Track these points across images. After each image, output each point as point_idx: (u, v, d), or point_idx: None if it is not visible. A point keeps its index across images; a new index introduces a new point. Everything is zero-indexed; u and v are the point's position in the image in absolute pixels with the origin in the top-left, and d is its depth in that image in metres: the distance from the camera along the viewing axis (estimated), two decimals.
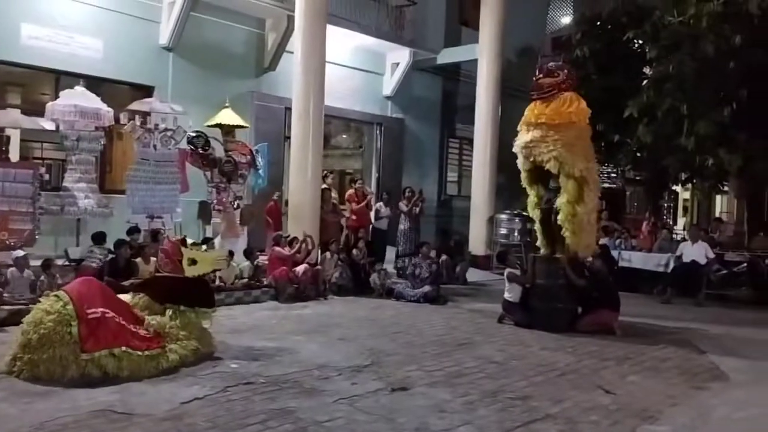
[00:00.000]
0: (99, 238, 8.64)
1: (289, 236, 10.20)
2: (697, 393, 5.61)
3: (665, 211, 16.18)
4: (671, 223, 17.03)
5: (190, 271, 5.95)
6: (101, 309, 5.32)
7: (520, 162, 8.52)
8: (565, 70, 8.38)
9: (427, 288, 10.01)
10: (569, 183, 8.02)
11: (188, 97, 10.97)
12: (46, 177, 9.58)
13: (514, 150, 8.53)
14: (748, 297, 11.50)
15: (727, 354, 7.17)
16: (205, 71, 11.79)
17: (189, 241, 6.17)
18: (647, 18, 12.48)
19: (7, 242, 8.22)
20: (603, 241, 11.66)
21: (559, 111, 8.05)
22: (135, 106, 9.96)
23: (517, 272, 8.56)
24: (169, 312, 5.86)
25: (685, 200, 24.28)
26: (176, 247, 5.99)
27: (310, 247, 10.16)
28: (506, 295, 8.53)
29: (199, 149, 10.10)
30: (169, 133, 9.82)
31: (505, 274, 8.69)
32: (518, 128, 8.47)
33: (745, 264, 11.64)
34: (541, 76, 8.29)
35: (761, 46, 11.24)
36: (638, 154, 13.95)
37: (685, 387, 5.77)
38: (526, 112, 8.37)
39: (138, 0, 10.97)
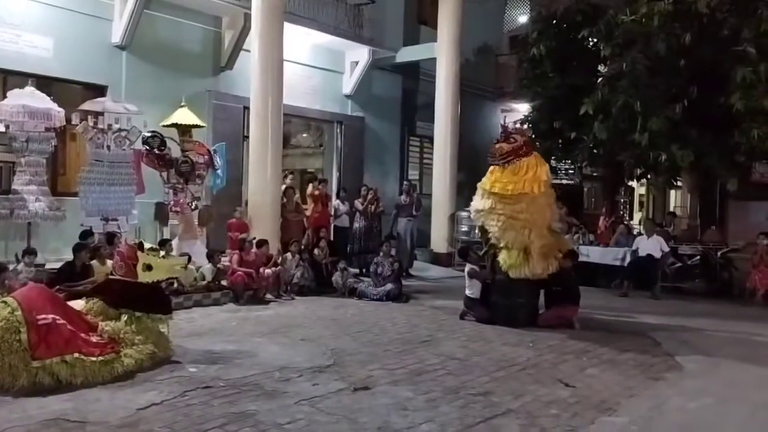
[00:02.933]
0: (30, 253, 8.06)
1: (254, 239, 10.07)
2: (654, 384, 5.73)
3: (622, 206, 16.48)
4: (628, 217, 17.37)
5: (144, 277, 5.82)
6: (52, 315, 5.16)
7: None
8: (525, 135, 8.50)
9: (389, 286, 10.01)
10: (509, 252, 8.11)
11: (143, 97, 10.73)
12: None
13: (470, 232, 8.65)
14: (701, 289, 11.83)
15: (681, 345, 7.35)
16: (160, 70, 11.55)
17: (146, 245, 6.03)
18: (601, 17, 12.68)
19: None
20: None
21: (512, 180, 8.06)
22: (87, 106, 9.71)
23: (477, 268, 8.61)
24: (124, 317, 5.73)
25: (640, 195, 24.81)
26: (132, 251, 5.85)
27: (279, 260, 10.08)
28: (467, 292, 8.58)
29: (155, 150, 9.91)
30: (123, 134, 9.60)
31: (466, 270, 8.75)
32: (478, 186, 8.55)
33: (699, 257, 11.96)
34: (499, 140, 8.35)
35: (710, 44, 11.55)
36: (594, 151, 14.17)
37: (641, 378, 5.89)
38: (486, 176, 8.42)
39: None
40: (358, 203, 12.57)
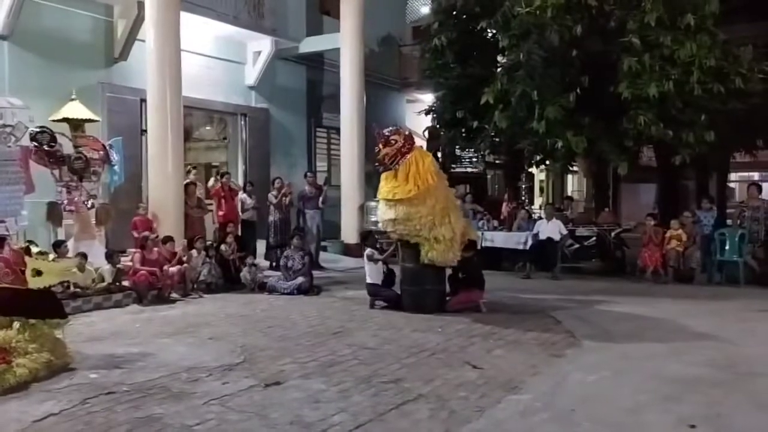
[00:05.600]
0: None
1: (157, 237, 9.71)
2: (555, 361, 6.01)
3: (523, 192, 17.10)
4: (529, 203, 18.05)
5: (35, 283, 5.49)
6: None
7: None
8: (402, 133, 8.46)
9: (300, 279, 9.94)
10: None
11: (29, 90, 10.08)
12: None
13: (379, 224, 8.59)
14: (597, 268, 12.51)
15: (580, 322, 7.74)
16: (47, 61, 10.88)
17: (34, 249, 5.68)
18: (498, 8, 13.04)
19: None
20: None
21: (407, 179, 8.10)
22: None
23: (377, 252, 8.75)
24: (16, 325, 5.39)
25: (541, 181, 25.83)
26: (19, 256, 5.51)
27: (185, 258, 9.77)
28: (368, 279, 8.69)
29: (44, 146, 9.35)
30: (8, 130, 8.94)
31: (365, 254, 8.85)
32: (377, 197, 8.52)
33: (594, 238, 12.61)
34: (381, 146, 8.33)
35: (599, 36, 12.14)
36: (496, 139, 14.59)
37: (544, 356, 6.15)
38: (381, 184, 8.44)
39: None
40: (271, 196, 12.38)
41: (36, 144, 9.31)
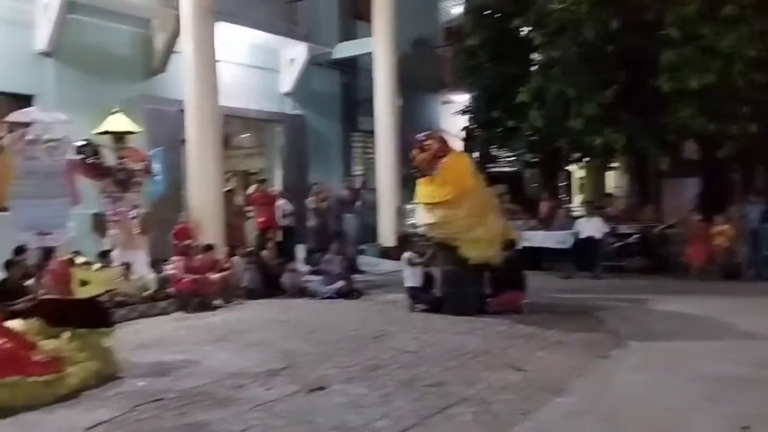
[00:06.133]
0: None
1: (200, 244, 9.88)
2: (600, 362, 5.92)
3: (562, 190, 16.89)
4: (568, 201, 17.81)
5: (81, 293, 5.62)
6: None
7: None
8: (437, 137, 8.51)
9: (340, 283, 9.99)
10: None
11: (73, 105, 10.32)
12: None
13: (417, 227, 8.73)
14: (640, 266, 12.26)
15: (624, 321, 7.62)
16: (89, 76, 11.16)
17: (80, 259, 5.82)
18: (532, 5, 12.92)
19: None
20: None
21: (445, 183, 8.13)
22: (14, 117, 9.26)
23: (416, 255, 8.74)
24: (66, 335, 5.54)
25: (579, 178, 25.43)
26: (65, 267, 5.65)
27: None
28: (407, 283, 8.68)
29: (89, 159, 9.57)
30: (54, 144, 9.20)
31: (404, 257, 8.84)
32: (414, 201, 8.54)
33: (637, 235, 12.37)
34: (416, 152, 8.39)
35: (636, 29, 11.92)
36: (532, 138, 14.46)
37: (589, 357, 6.07)
38: (418, 189, 8.49)
39: (7, 3, 10.21)
40: (309, 202, 12.48)
41: (81, 157, 9.54)
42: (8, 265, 7.81)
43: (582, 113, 11.75)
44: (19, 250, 8.50)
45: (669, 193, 15.72)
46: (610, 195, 15.73)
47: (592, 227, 11.72)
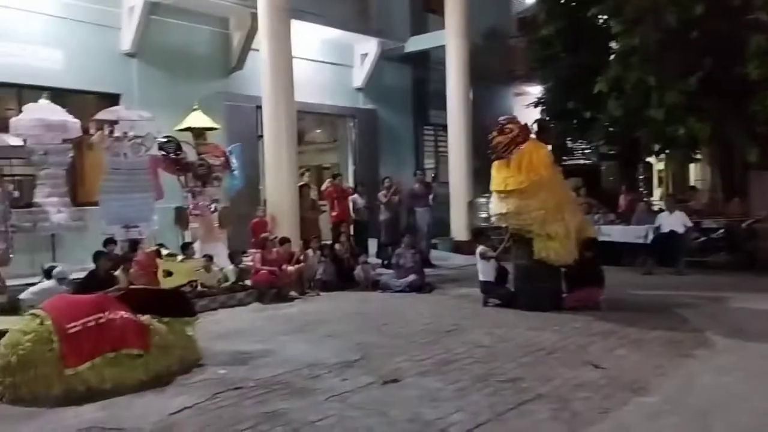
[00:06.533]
0: (48, 273, 7.92)
1: (276, 237, 10.12)
2: (684, 361, 5.69)
3: (641, 183, 16.32)
4: (648, 194, 17.19)
5: (166, 283, 5.88)
6: (83, 320, 5.22)
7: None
8: (518, 122, 8.29)
9: (412, 277, 10.01)
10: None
11: (156, 102, 10.80)
12: (16, 194, 9.39)
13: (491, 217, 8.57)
14: (726, 262, 11.66)
15: (710, 320, 7.28)
16: (171, 75, 11.62)
17: (164, 251, 6.07)
18: None
19: None
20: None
21: (513, 173, 7.95)
22: (102, 115, 9.77)
23: (489, 249, 8.63)
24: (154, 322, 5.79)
25: (660, 171, 24.48)
26: (151, 258, 5.90)
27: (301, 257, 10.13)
28: (481, 277, 8.59)
29: (171, 154, 9.96)
30: (138, 140, 9.65)
31: (477, 252, 8.75)
32: (487, 192, 8.41)
33: (722, 230, 11.80)
34: (495, 134, 8.22)
35: (722, 14, 11.33)
36: (610, 129, 14.03)
37: (671, 356, 5.84)
38: (493, 174, 8.29)
39: (96, 7, 10.73)
40: (381, 196, 12.57)
41: (163, 153, 9.94)
42: (97, 256, 8.22)
43: (663, 102, 11.28)
44: (108, 242, 8.93)
45: (757, 186, 14.87)
46: (693, 188, 15.07)
47: (673, 221, 11.25)
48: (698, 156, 15.52)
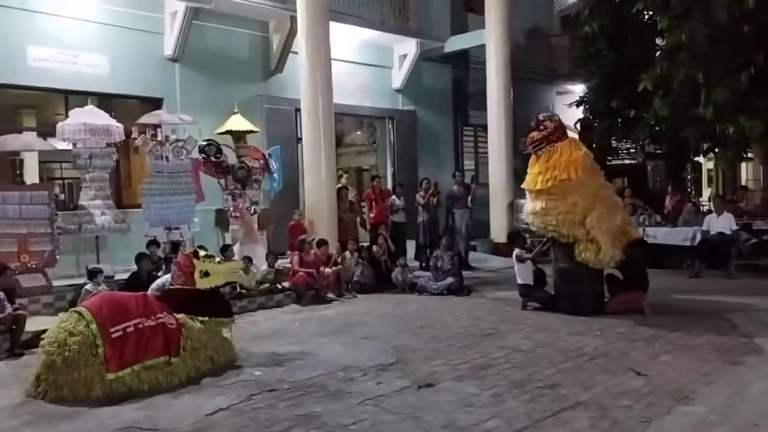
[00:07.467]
0: (92, 275, 7.98)
1: (314, 239, 10.15)
2: (733, 369, 5.46)
3: (689, 184, 15.85)
4: (696, 194, 16.69)
5: (202, 284, 5.92)
6: (123, 324, 5.31)
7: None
8: (555, 120, 8.10)
9: (450, 280, 9.91)
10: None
11: (197, 106, 10.96)
12: (62, 197, 9.63)
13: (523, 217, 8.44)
14: None
15: (761, 326, 6.99)
16: (212, 79, 11.77)
17: (202, 252, 6.12)
18: None
19: (29, 264, 8.29)
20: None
21: (543, 170, 7.79)
22: (145, 119, 9.97)
23: (526, 252, 8.49)
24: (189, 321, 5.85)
25: (709, 170, 23.80)
26: (188, 259, 5.96)
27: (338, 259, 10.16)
28: (519, 280, 8.45)
29: (212, 157, 10.08)
30: (180, 144, 9.83)
31: (514, 254, 8.60)
32: (521, 187, 8.36)
33: None
34: (531, 127, 8.09)
35: None
36: (656, 128, 13.67)
37: (719, 363, 5.62)
38: (528, 171, 8.15)
39: (140, 13, 10.95)
40: (419, 197, 12.49)
41: (204, 156, 10.07)
42: (139, 258, 8.38)
43: (713, 100, 10.92)
44: (151, 244, 9.10)
45: None
46: (744, 188, 14.55)
47: (722, 223, 10.87)
48: (749, 155, 15.02)
